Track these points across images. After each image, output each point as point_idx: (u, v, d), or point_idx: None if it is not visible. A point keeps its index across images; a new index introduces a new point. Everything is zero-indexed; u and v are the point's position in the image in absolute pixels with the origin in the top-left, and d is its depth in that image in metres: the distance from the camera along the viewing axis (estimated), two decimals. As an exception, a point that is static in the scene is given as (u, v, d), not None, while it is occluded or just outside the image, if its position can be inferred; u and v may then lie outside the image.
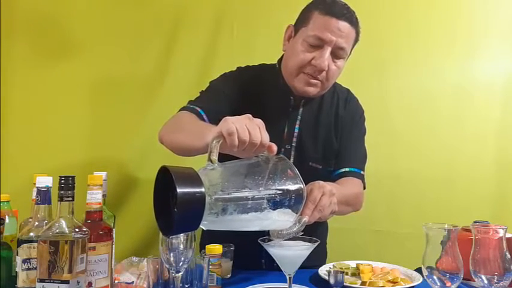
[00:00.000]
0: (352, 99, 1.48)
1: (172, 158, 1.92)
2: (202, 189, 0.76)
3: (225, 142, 0.88)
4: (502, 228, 0.94)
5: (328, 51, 1.25)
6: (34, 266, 0.96)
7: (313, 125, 1.39)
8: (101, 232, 0.98)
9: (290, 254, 1.02)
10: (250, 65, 1.47)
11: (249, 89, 1.36)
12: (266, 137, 0.90)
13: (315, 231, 1.32)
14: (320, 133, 1.40)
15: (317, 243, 1.02)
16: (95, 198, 0.99)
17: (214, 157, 0.87)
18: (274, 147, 0.91)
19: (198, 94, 1.40)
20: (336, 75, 1.33)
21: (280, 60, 1.43)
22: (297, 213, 0.85)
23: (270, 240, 1.05)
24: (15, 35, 1.91)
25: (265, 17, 1.96)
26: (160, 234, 0.97)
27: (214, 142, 0.88)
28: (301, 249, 1.02)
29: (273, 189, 0.83)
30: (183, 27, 1.96)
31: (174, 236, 0.96)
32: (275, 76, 1.40)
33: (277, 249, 1.03)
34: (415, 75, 2.00)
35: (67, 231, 0.88)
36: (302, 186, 0.87)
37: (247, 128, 0.88)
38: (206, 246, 1.18)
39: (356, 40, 1.34)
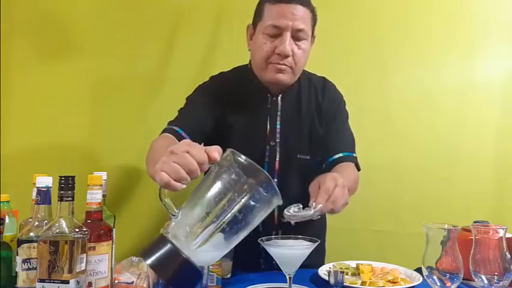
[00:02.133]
0: (330, 86, 1.49)
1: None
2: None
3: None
4: (502, 228, 0.94)
5: (287, 36, 1.27)
6: (34, 266, 0.96)
7: (295, 118, 1.40)
8: (101, 232, 0.98)
9: (290, 254, 1.03)
10: (224, 71, 1.50)
11: (225, 94, 1.38)
12: (200, 155, 0.82)
13: (314, 227, 1.36)
14: (303, 125, 1.40)
15: (317, 243, 1.02)
16: (95, 198, 0.99)
17: (174, 211, 0.83)
18: (215, 154, 0.82)
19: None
20: (303, 58, 1.34)
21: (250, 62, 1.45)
22: (275, 193, 0.80)
23: (270, 239, 1.06)
24: (16, 35, 1.91)
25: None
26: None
27: (164, 201, 0.84)
28: (301, 249, 1.02)
29: (238, 200, 0.77)
30: (183, 27, 1.96)
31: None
32: (248, 76, 1.42)
33: (277, 249, 1.03)
34: (416, 74, 2.00)
35: (67, 231, 0.88)
36: (262, 171, 0.80)
37: (178, 163, 0.82)
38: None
39: (314, 19, 1.35)
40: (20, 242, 0.98)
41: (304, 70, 1.42)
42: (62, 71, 1.92)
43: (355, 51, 1.97)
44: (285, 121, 1.38)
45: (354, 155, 1.40)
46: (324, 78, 1.49)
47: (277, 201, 0.81)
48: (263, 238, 1.06)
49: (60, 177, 0.90)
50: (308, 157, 1.39)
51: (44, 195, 0.99)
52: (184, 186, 0.83)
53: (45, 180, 0.99)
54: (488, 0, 1.99)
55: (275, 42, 1.28)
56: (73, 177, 0.91)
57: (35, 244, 0.93)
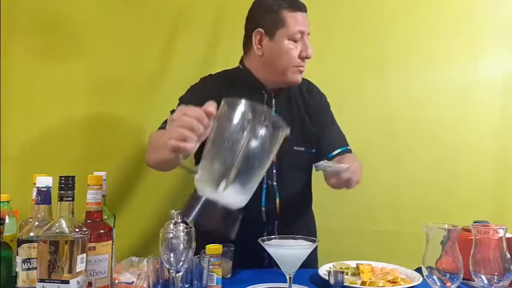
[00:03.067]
0: (314, 87, 1.60)
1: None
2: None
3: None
4: (502, 228, 0.94)
5: (308, 40, 1.41)
6: (34, 266, 0.96)
7: (287, 114, 1.47)
8: (101, 232, 0.98)
9: (290, 254, 1.03)
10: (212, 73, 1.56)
11: (218, 94, 1.36)
12: (197, 113, 0.91)
13: (309, 223, 1.55)
14: (295, 119, 1.49)
15: (317, 243, 1.02)
16: (95, 198, 0.99)
17: (193, 170, 0.92)
18: (210, 108, 0.91)
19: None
20: None
21: (241, 61, 1.53)
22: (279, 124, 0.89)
23: (270, 239, 1.06)
24: (16, 34, 1.91)
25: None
26: (160, 234, 0.98)
27: (182, 164, 0.93)
28: (301, 249, 1.03)
29: (246, 140, 0.86)
30: (183, 27, 1.96)
31: (173, 236, 0.97)
32: (243, 76, 1.49)
33: (277, 249, 1.03)
34: (416, 75, 2.00)
35: (67, 231, 0.88)
36: (260, 107, 0.90)
37: (179, 126, 0.91)
38: (206, 246, 1.18)
39: None
40: (20, 242, 0.98)
41: None
42: (62, 71, 1.92)
43: (355, 51, 1.97)
44: (280, 116, 1.41)
45: (349, 147, 1.52)
46: (308, 80, 1.58)
47: (283, 131, 0.90)
48: (263, 238, 1.06)
49: (60, 177, 0.90)
50: (303, 149, 1.48)
51: (44, 195, 0.99)
52: (193, 145, 0.91)
53: (45, 180, 0.99)
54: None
55: (299, 47, 1.40)
56: (73, 177, 0.91)
57: (35, 244, 0.93)
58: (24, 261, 0.97)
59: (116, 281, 1.09)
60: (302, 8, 1.42)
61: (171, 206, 1.14)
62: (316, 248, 1.54)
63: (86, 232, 0.91)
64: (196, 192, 0.88)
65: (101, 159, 1.87)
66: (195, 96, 1.43)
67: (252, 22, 1.46)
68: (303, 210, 1.55)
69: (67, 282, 0.85)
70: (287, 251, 1.03)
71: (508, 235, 0.96)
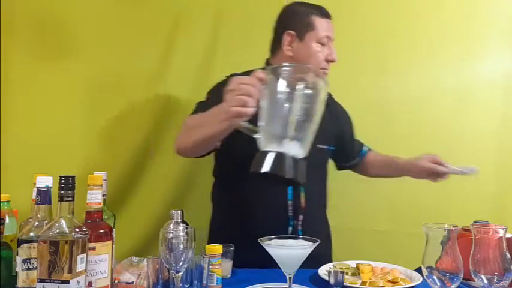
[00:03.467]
0: (333, 98, 1.69)
1: (174, 156, 1.93)
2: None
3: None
4: (502, 228, 0.94)
5: (332, 45, 1.52)
6: (34, 266, 0.96)
7: None
8: (101, 232, 0.98)
9: (290, 254, 1.03)
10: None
11: None
12: (250, 80, 1.05)
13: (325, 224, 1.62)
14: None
15: (317, 243, 1.02)
16: (95, 198, 0.99)
17: (255, 131, 1.07)
18: (260, 74, 1.06)
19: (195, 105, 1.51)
20: None
21: (268, 62, 1.60)
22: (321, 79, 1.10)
23: (271, 238, 1.06)
24: (15, 34, 1.91)
25: (265, 17, 1.96)
26: (160, 234, 0.98)
27: (246, 127, 1.07)
28: (301, 249, 1.03)
29: (297, 95, 1.04)
30: (183, 26, 1.96)
31: (173, 236, 0.97)
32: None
33: (277, 249, 1.03)
34: (416, 75, 2.00)
35: (67, 231, 0.88)
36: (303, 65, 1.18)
37: (239, 94, 1.04)
38: (206, 246, 1.18)
39: None
40: (20, 242, 0.98)
41: None
42: (61, 71, 1.92)
43: (356, 52, 1.97)
44: None
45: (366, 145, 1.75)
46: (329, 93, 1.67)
47: (325, 84, 1.08)
48: (263, 238, 1.06)
49: (60, 177, 0.90)
50: (325, 146, 1.57)
51: (44, 195, 0.99)
52: (253, 109, 1.04)
53: (45, 180, 0.99)
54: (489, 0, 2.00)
55: (326, 51, 1.50)
56: (73, 177, 0.91)
57: (35, 244, 0.93)
58: (24, 261, 0.97)
59: (116, 281, 1.09)
60: (328, 16, 1.53)
61: (171, 206, 1.15)
62: (331, 247, 1.60)
63: (86, 232, 0.91)
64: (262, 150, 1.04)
65: (101, 159, 1.87)
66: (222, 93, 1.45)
67: (283, 25, 1.54)
68: (323, 206, 1.63)
69: (67, 282, 0.85)
70: (287, 251, 1.03)
71: (508, 235, 0.96)
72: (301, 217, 1.48)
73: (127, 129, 1.92)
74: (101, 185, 1.01)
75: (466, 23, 1.98)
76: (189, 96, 1.94)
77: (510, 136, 1.93)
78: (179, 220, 1.09)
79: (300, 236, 1.07)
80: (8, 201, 1.11)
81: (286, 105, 1.03)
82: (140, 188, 1.91)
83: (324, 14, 1.52)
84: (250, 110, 1.03)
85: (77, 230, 0.89)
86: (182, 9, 1.96)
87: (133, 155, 1.92)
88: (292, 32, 1.51)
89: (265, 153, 1.03)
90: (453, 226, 0.96)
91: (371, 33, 1.99)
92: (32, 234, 0.98)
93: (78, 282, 0.88)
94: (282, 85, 1.04)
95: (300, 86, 1.03)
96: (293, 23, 1.52)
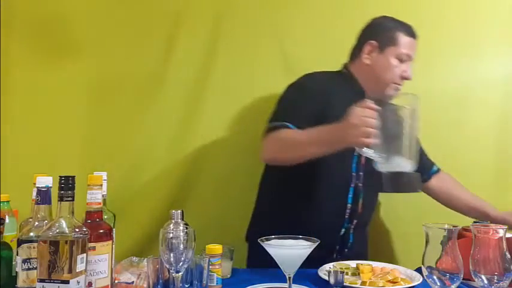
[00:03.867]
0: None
1: (173, 156, 1.93)
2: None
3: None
4: (502, 228, 0.94)
5: (411, 64, 1.56)
6: (34, 266, 0.96)
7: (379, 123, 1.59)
8: (101, 232, 0.98)
9: (290, 254, 1.03)
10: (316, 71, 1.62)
11: (324, 92, 1.54)
12: (370, 113, 1.21)
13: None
14: (387, 130, 1.62)
15: (317, 243, 1.02)
16: (95, 198, 0.99)
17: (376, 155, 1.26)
18: (374, 106, 1.22)
19: (275, 109, 1.54)
20: None
21: (346, 67, 1.65)
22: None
23: (270, 239, 1.06)
24: (15, 35, 1.91)
25: (265, 17, 1.96)
26: (160, 234, 0.98)
27: (368, 153, 1.24)
28: (301, 249, 1.02)
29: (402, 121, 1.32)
30: (183, 27, 1.95)
31: (173, 236, 0.97)
32: (347, 80, 1.60)
33: (277, 249, 1.03)
34: (416, 75, 1.98)
35: (67, 231, 0.88)
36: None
37: (365, 126, 1.19)
38: (206, 246, 1.18)
39: None
40: (20, 242, 0.98)
41: None
42: (62, 71, 1.92)
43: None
44: None
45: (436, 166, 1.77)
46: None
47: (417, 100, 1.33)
48: (263, 238, 1.06)
49: (60, 177, 0.90)
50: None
51: (44, 195, 0.99)
52: (374, 139, 1.20)
53: (45, 180, 0.99)
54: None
55: (402, 67, 1.54)
56: (73, 177, 0.91)
57: (35, 244, 0.93)
58: (24, 261, 0.97)
59: (116, 281, 1.09)
60: (414, 35, 1.56)
61: (171, 206, 1.15)
62: (367, 247, 1.68)
63: (86, 232, 0.91)
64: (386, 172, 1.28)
65: (101, 159, 1.87)
66: (305, 93, 1.54)
67: (367, 34, 1.59)
68: (373, 211, 1.69)
69: (67, 282, 0.85)
70: (287, 251, 1.03)
71: (508, 235, 0.96)
72: (355, 221, 1.55)
73: (127, 129, 1.92)
74: (101, 185, 1.01)
75: (467, 23, 1.98)
76: (189, 95, 1.94)
77: (509, 136, 1.93)
78: (179, 220, 1.09)
79: (300, 236, 1.07)
80: (8, 201, 1.11)
81: (396, 128, 1.27)
82: (140, 188, 1.91)
83: (410, 32, 1.56)
84: (373, 141, 1.20)
85: (77, 230, 0.89)
86: (182, 9, 1.96)
87: (134, 155, 1.92)
88: (374, 42, 1.56)
89: (397, 174, 1.27)
90: (453, 226, 0.96)
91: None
92: (32, 234, 0.98)
93: (78, 282, 0.88)
94: (391, 112, 1.31)
95: (404, 110, 1.29)
96: (377, 34, 1.57)
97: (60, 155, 1.86)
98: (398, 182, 1.27)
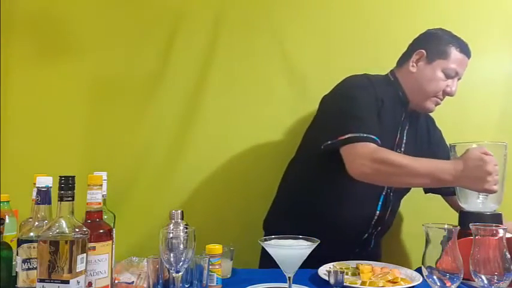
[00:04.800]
0: (435, 123, 1.75)
1: (174, 156, 1.93)
2: None
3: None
4: (502, 228, 0.94)
5: (457, 81, 1.53)
6: (34, 266, 0.96)
7: (414, 135, 1.62)
8: (101, 232, 0.98)
9: (290, 254, 1.02)
10: (369, 73, 1.60)
11: (377, 96, 1.52)
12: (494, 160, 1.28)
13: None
14: (420, 142, 1.64)
15: (317, 243, 1.02)
16: (95, 198, 0.99)
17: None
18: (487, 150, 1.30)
19: (342, 117, 1.45)
20: None
21: (392, 73, 1.62)
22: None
23: (270, 239, 1.06)
24: (15, 35, 1.91)
25: (265, 18, 1.96)
26: (160, 234, 0.98)
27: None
28: (301, 249, 1.02)
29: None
30: (183, 27, 1.96)
31: (173, 236, 0.97)
32: (393, 88, 1.58)
33: (277, 249, 1.03)
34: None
35: (67, 231, 0.88)
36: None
37: (495, 174, 1.27)
38: (206, 246, 1.18)
39: None
40: (20, 242, 0.98)
41: None
42: (62, 71, 1.92)
43: (355, 51, 1.97)
44: (409, 135, 1.59)
45: None
46: (433, 118, 1.73)
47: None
48: (263, 238, 1.06)
49: (60, 177, 0.90)
50: None
51: (44, 195, 0.99)
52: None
53: (45, 180, 0.99)
54: None
55: (447, 82, 1.51)
56: (73, 177, 0.91)
57: (35, 244, 0.93)
58: (24, 261, 0.97)
59: (116, 281, 1.09)
60: (467, 54, 1.53)
61: (170, 207, 1.14)
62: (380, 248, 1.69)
63: (86, 232, 0.91)
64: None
65: (101, 159, 1.87)
66: (368, 96, 1.50)
67: (419, 43, 1.56)
68: (394, 220, 1.68)
69: (67, 282, 0.85)
70: (287, 251, 1.02)
71: (508, 235, 0.96)
72: (379, 228, 1.56)
73: (127, 129, 1.92)
74: (101, 185, 1.01)
75: (466, 22, 1.98)
76: (189, 96, 1.94)
77: (510, 136, 1.93)
78: (179, 220, 1.09)
79: (300, 236, 1.06)
80: (8, 201, 1.11)
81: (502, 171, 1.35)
82: (140, 188, 1.91)
83: (464, 50, 1.52)
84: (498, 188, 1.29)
85: (77, 230, 0.89)
86: (182, 9, 1.96)
87: (134, 155, 1.92)
88: (423, 51, 1.53)
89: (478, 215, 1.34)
90: (453, 226, 0.96)
91: (371, 33, 1.98)
92: (32, 234, 0.98)
93: (78, 282, 0.88)
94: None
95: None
96: (429, 44, 1.54)
97: (60, 155, 1.86)
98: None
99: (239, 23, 1.97)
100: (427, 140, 1.67)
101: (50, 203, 1.00)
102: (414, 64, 1.54)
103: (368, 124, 1.41)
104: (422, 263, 0.96)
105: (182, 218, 1.10)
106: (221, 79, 1.93)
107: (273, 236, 1.08)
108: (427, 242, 0.96)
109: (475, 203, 1.36)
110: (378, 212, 1.52)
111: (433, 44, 1.54)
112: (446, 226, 0.96)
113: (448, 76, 1.51)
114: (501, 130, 1.94)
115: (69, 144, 1.89)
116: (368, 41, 1.98)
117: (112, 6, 1.95)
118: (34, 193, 1.05)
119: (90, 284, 0.95)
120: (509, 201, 1.65)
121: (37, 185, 0.99)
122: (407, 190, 1.66)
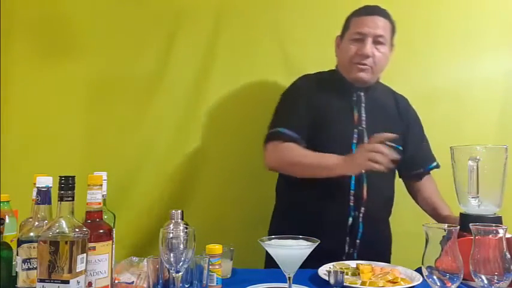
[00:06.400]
0: (408, 103, 1.75)
1: (173, 156, 1.93)
2: None
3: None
4: (502, 228, 0.94)
5: (369, 41, 1.53)
6: (34, 266, 0.96)
7: (379, 111, 1.63)
8: (101, 232, 0.98)
9: (290, 254, 1.02)
10: (309, 73, 1.70)
11: (316, 90, 1.61)
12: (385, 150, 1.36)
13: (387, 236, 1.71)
14: (385, 116, 1.64)
15: (317, 243, 1.02)
16: (95, 198, 0.99)
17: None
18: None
19: (273, 116, 1.62)
20: (382, 60, 1.58)
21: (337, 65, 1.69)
22: None
23: (270, 239, 1.06)
24: (15, 35, 1.91)
25: (265, 17, 1.97)
26: (160, 234, 0.98)
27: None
28: (301, 249, 1.02)
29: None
30: (183, 27, 1.96)
31: (173, 236, 0.97)
32: (335, 76, 1.65)
33: (277, 249, 1.03)
34: (416, 75, 2.00)
35: (67, 231, 0.88)
36: None
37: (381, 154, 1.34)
38: (206, 246, 1.18)
39: (393, 30, 1.62)
40: (20, 242, 0.98)
41: (387, 85, 1.72)
42: (61, 71, 1.92)
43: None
44: (370, 112, 1.61)
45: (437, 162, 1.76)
46: (405, 97, 1.76)
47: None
48: (263, 238, 1.06)
49: (60, 177, 0.90)
50: (393, 144, 1.53)
51: (44, 195, 0.99)
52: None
53: (45, 180, 0.99)
54: (488, -1, 2.00)
55: (358, 46, 1.54)
56: (73, 177, 0.91)
57: (35, 244, 0.93)
58: (24, 261, 0.97)
59: (116, 281, 1.09)
60: (372, 13, 1.56)
61: (171, 207, 1.14)
62: (390, 251, 1.68)
63: (86, 232, 0.91)
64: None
65: (101, 159, 1.87)
66: (300, 95, 1.61)
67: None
68: (386, 203, 1.66)
69: (67, 282, 0.85)
70: (287, 251, 1.03)
71: (508, 235, 0.96)
72: (362, 209, 1.52)
73: (127, 129, 1.92)
74: (101, 185, 1.01)
75: (466, 22, 1.98)
76: (189, 96, 1.94)
77: (510, 136, 1.93)
78: (179, 220, 1.09)
79: (300, 236, 1.06)
80: (8, 201, 1.10)
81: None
82: (140, 188, 1.91)
83: (364, 12, 1.57)
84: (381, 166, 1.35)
85: (77, 230, 0.89)
86: (182, 9, 1.96)
87: (134, 155, 1.92)
88: (338, 35, 1.64)
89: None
90: (453, 226, 0.96)
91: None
92: (32, 234, 0.98)
93: (78, 282, 0.88)
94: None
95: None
96: (342, 27, 1.63)
97: (60, 155, 1.86)
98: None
99: (239, 23, 1.97)
100: (397, 113, 1.68)
101: (50, 203, 1.00)
102: (337, 50, 1.66)
103: (285, 119, 1.57)
104: (422, 263, 0.96)
105: (182, 218, 1.10)
106: (221, 79, 1.93)
107: (273, 236, 1.08)
108: (427, 241, 0.96)
109: (472, 205, 1.37)
110: (352, 192, 1.51)
111: (343, 25, 1.63)
112: (446, 226, 0.96)
113: (356, 41, 1.55)
114: (500, 130, 1.94)
115: (69, 144, 1.89)
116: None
117: (112, 7, 1.95)
118: (34, 193, 1.05)
119: (90, 284, 0.95)
120: (509, 204, 1.66)
121: (37, 185, 0.99)
122: (389, 174, 1.62)
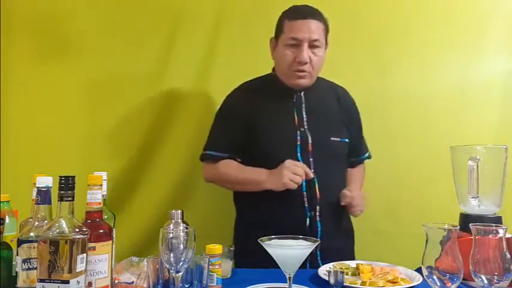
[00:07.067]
0: (350, 96, 1.73)
1: (173, 157, 1.93)
2: None
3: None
4: (502, 228, 0.94)
5: (305, 46, 1.51)
6: (34, 266, 0.96)
7: (320, 110, 1.62)
8: (101, 232, 0.98)
9: (290, 254, 1.02)
10: (248, 80, 1.69)
11: (251, 99, 1.60)
12: (303, 171, 1.43)
13: (348, 221, 1.68)
14: (330, 112, 1.64)
15: (317, 243, 1.02)
16: (95, 198, 0.99)
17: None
18: (310, 174, 1.45)
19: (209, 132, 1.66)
20: (319, 63, 1.57)
21: (274, 68, 1.67)
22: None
23: (270, 239, 1.06)
24: (15, 34, 1.91)
25: (265, 17, 1.96)
26: (160, 234, 0.98)
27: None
28: (301, 249, 1.02)
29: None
30: (183, 27, 1.96)
31: (173, 236, 0.97)
32: (274, 80, 1.64)
33: (277, 249, 1.03)
34: (416, 75, 2.00)
35: (67, 231, 0.88)
36: None
37: (296, 175, 1.41)
38: (206, 246, 1.18)
39: (327, 29, 1.58)
40: (20, 242, 0.98)
41: (325, 79, 1.69)
42: (61, 71, 1.92)
43: (355, 52, 1.97)
44: (311, 111, 1.60)
45: (369, 152, 1.80)
46: (344, 88, 1.74)
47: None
48: (263, 238, 1.06)
49: (60, 177, 0.90)
50: (338, 139, 1.60)
51: (44, 195, 0.99)
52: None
53: (45, 180, 0.99)
54: None
55: (295, 52, 1.51)
56: (73, 177, 0.91)
57: (35, 244, 0.93)
58: (24, 261, 0.97)
59: (116, 281, 1.09)
60: (304, 17, 1.51)
61: (171, 206, 1.14)
62: (353, 242, 1.67)
63: (86, 232, 0.91)
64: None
65: (101, 159, 1.87)
66: (231, 111, 1.63)
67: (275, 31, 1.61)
68: (341, 216, 1.63)
69: (67, 282, 0.85)
70: (287, 251, 1.03)
71: (508, 235, 0.96)
72: (318, 208, 1.52)
73: (127, 129, 1.92)
74: (101, 185, 1.01)
75: (466, 22, 1.99)
76: (188, 96, 1.94)
77: (509, 136, 1.93)
78: (179, 220, 1.09)
79: (300, 236, 1.06)
80: (8, 201, 1.10)
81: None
82: (140, 188, 1.91)
83: (296, 15, 1.52)
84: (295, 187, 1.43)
85: (77, 230, 0.89)
86: (182, 9, 1.96)
87: (133, 155, 1.92)
88: (272, 37, 1.59)
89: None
90: (453, 226, 0.96)
91: (370, 34, 1.99)
92: (32, 234, 0.98)
93: (78, 282, 0.88)
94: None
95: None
96: (275, 29, 1.59)
97: (60, 155, 1.86)
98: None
99: (239, 23, 1.97)
100: (338, 107, 1.67)
101: (50, 203, 1.00)
102: (273, 52, 1.61)
103: (216, 141, 1.62)
104: (422, 263, 0.96)
105: (182, 218, 1.10)
106: (221, 79, 1.93)
107: (273, 236, 1.08)
108: (427, 242, 0.96)
109: (472, 205, 1.36)
110: (305, 193, 1.50)
111: (276, 26, 1.59)
112: (446, 226, 0.96)
113: (291, 46, 1.52)
114: (499, 131, 1.94)
115: (69, 144, 1.89)
116: (367, 41, 1.99)
117: (112, 6, 1.95)
118: (34, 193, 1.05)
119: (90, 284, 0.95)
120: (509, 204, 1.66)
121: (37, 185, 0.99)
122: (339, 166, 1.64)
